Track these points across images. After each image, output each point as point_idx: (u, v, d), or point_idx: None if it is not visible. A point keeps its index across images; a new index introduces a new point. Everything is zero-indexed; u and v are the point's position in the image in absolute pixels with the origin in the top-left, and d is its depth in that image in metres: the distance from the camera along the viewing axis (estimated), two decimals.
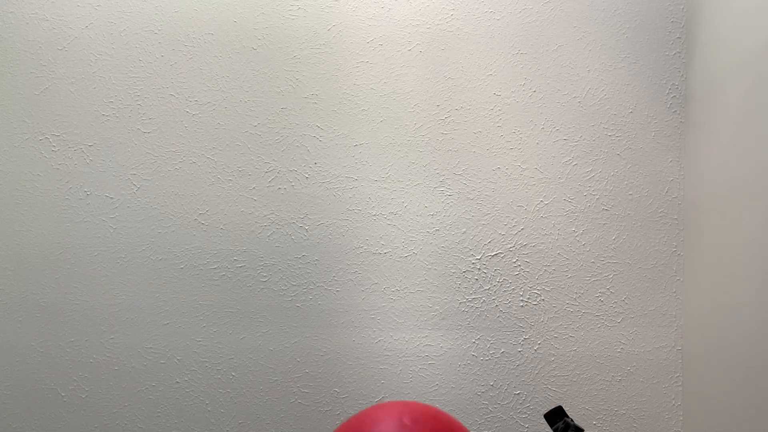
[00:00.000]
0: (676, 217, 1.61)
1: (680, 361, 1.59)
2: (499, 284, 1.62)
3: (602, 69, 1.63)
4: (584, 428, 1.06)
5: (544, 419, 1.03)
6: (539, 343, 1.61)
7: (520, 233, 1.62)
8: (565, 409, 1.06)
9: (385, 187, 1.64)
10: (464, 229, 1.63)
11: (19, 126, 1.67)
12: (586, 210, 1.62)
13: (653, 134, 1.62)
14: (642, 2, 1.63)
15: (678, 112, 1.62)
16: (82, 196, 1.66)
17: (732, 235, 1.39)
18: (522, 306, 1.62)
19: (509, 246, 1.62)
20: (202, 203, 1.65)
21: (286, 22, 1.67)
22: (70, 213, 1.66)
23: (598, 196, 1.62)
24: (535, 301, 1.61)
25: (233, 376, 1.63)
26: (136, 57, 1.67)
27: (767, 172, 1.27)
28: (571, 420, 1.02)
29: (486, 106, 1.64)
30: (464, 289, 1.62)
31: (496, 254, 1.63)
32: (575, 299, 1.61)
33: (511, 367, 1.61)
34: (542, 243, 1.62)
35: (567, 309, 1.61)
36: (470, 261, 1.63)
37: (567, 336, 1.61)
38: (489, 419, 1.61)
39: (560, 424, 1.03)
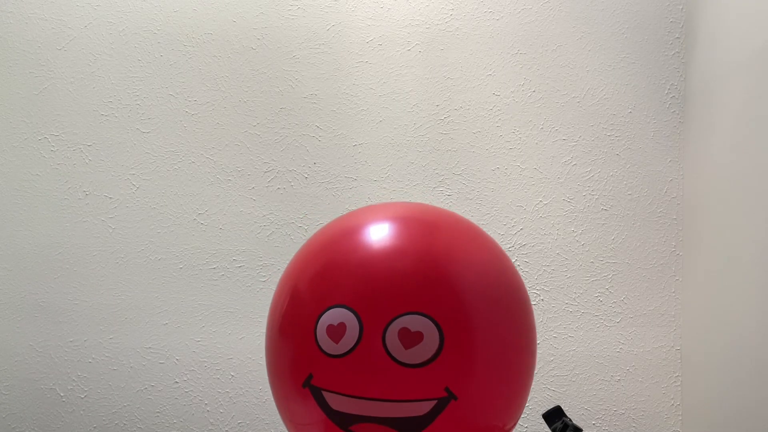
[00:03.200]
0: (675, 216, 1.61)
1: (679, 360, 1.59)
2: None
3: (601, 69, 1.63)
4: (583, 428, 1.06)
5: (542, 419, 1.03)
6: (538, 343, 1.60)
7: (519, 233, 1.62)
8: (564, 408, 1.06)
9: (384, 187, 1.64)
10: None
11: (18, 126, 1.67)
12: (585, 210, 1.62)
13: (652, 134, 1.62)
14: (641, 2, 1.63)
15: (677, 112, 1.62)
16: (81, 195, 1.66)
17: (731, 235, 1.39)
18: None
19: (508, 246, 1.62)
20: (201, 203, 1.65)
21: (285, 21, 1.66)
22: (69, 213, 1.66)
23: (597, 196, 1.62)
24: (534, 300, 1.61)
25: (233, 376, 1.62)
26: (135, 57, 1.67)
27: (766, 172, 1.27)
28: (570, 420, 1.02)
29: (485, 106, 1.64)
30: None
31: None
32: (574, 299, 1.61)
33: None
34: (541, 243, 1.62)
35: (566, 309, 1.61)
36: None
37: (566, 336, 1.61)
38: None
39: (559, 424, 1.03)
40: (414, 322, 0.81)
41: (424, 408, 0.83)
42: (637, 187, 1.62)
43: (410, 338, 0.81)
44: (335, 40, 1.66)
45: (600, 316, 1.61)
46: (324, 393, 0.84)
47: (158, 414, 1.63)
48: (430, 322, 0.81)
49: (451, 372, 0.83)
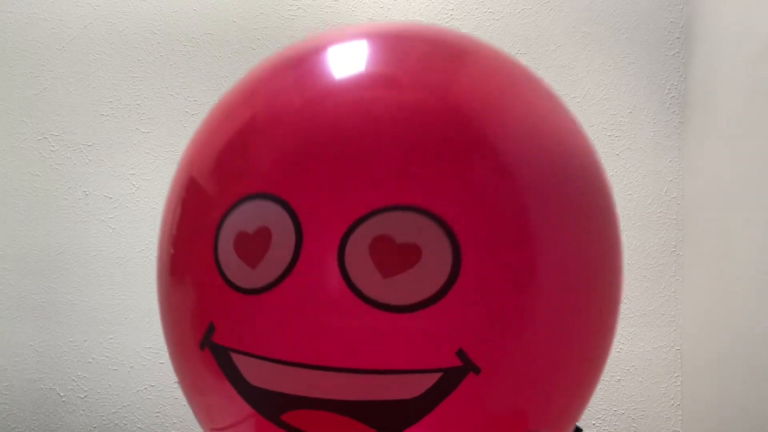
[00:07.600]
0: (675, 216, 1.61)
1: (679, 360, 1.59)
2: None
3: (601, 69, 1.63)
4: (583, 428, 1.06)
5: None
6: None
7: None
8: None
9: None
10: None
11: (18, 126, 1.67)
12: None
13: (652, 134, 1.62)
14: (641, 2, 1.63)
15: (677, 112, 1.62)
16: (81, 195, 1.66)
17: (731, 235, 1.39)
18: None
19: None
20: None
21: (285, 22, 1.66)
22: (69, 213, 1.65)
23: None
24: None
25: None
26: (135, 57, 1.67)
27: (766, 172, 1.27)
28: None
29: None
30: None
31: None
32: None
33: None
34: None
35: None
36: None
37: None
38: None
39: None
40: (403, 226, 0.42)
41: (416, 387, 0.45)
42: (636, 186, 1.62)
43: (395, 256, 0.42)
44: None
45: None
46: (233, 355, 0.48)
47: (158, 414, 1.63)
48: (436, 227, 0.42)
49: (471, 323, 0.44)
